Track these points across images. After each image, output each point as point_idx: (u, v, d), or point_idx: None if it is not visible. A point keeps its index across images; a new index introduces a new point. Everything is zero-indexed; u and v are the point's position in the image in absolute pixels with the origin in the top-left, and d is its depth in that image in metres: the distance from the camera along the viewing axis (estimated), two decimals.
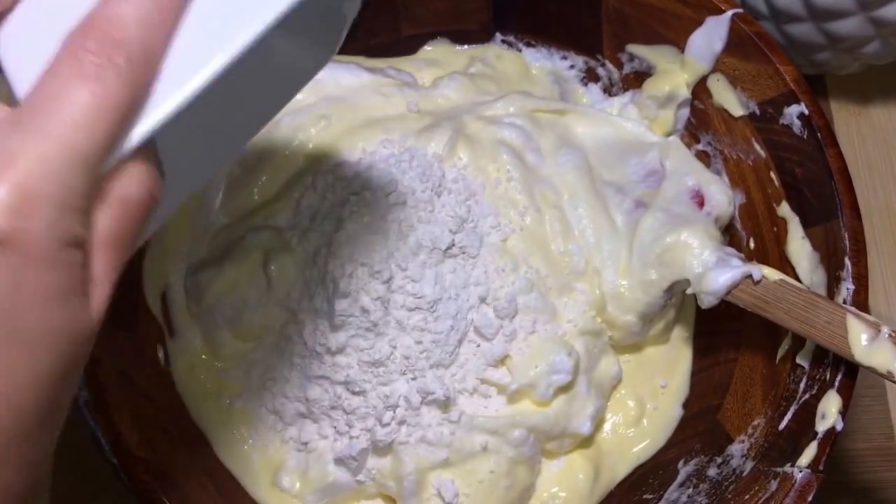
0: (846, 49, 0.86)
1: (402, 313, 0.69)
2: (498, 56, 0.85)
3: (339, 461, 0.71)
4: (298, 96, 0.77)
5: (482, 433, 0.71)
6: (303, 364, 0.71)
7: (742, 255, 0.72)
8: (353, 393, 0.70)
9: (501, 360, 0.71)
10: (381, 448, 0.70)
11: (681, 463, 0.75)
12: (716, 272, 0.70)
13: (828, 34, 0.85)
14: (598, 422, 0.76)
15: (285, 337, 0.71)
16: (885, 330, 0.64)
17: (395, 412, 0.69)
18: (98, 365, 0.66)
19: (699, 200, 0.75)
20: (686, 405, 0.78)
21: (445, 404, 0.70)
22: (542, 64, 0.85)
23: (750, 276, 0.69)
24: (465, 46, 0.85)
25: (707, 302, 0.71)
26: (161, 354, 0.73)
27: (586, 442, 0.76)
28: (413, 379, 0.70)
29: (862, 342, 0.65)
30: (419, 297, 0.69)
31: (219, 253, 0.74)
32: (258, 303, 0.72)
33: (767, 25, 0.87)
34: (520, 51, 0.85)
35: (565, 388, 0.72)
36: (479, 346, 0.71)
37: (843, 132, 0.95)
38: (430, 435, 0.70)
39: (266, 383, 0.73)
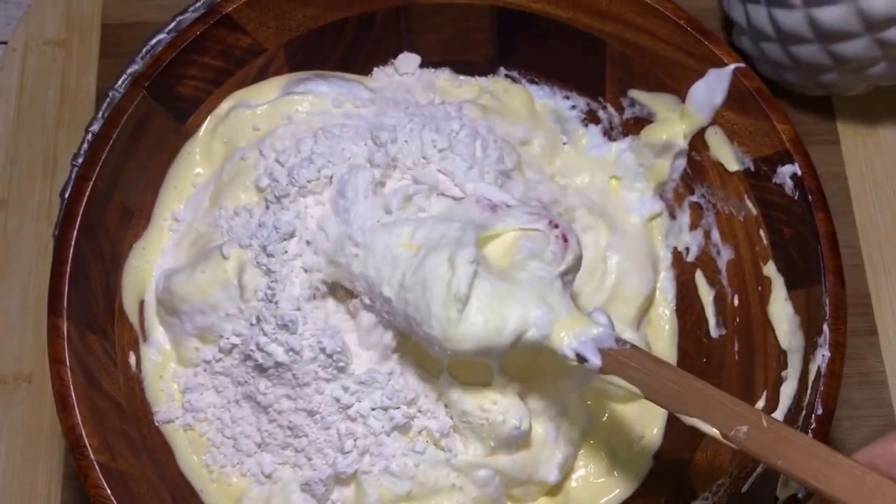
0: (853, 70, 0.86)
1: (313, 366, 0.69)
2: (505, 90, 0.85)
3: (307, 487, 0.70)
4: (299, 107, 0.78)
5: (446, 468, 0.70)
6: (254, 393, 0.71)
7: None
8: (298, 437, 0.70)
9: (446, 434, 0.71)
10: (344, 479, 0.70)
11: None
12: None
13: (834, 56, 0.84)
14: (567, 470, 0.75)
15: (243, 358, 0.71)
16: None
17: (355, 442, 0.69)
18: (64, 367, 0.66)
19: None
20: (657, 456, 0.77)
21: (406, 427, 0.70)
22: (544, 102, 0.85)
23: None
24: (472, 78, 0.85)
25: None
26: (133, 360, 0.73)
27: (555, 489, 0.75)
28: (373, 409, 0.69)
29: None
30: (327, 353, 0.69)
31: (194, 259, 0.74)
32: (227, 312, 0.71)
33: (774, 47, 0.87)
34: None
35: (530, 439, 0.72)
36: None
37: (851, 153, 0.95)
38: (393, 466, 0.69)
39: (223, 403, 0.73)
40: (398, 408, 0.69)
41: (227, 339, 0.71)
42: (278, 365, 0.68)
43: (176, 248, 0.76)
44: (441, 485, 0.70)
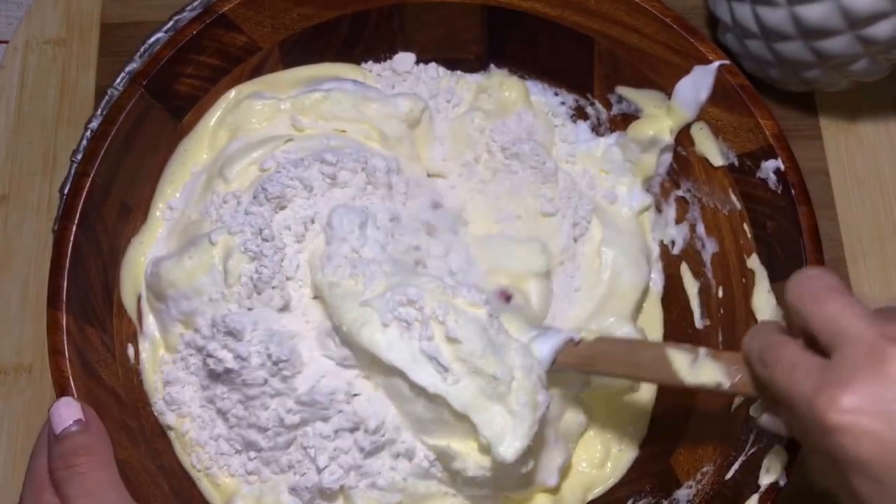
0: (835, 67, 0.88)
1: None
2: (501, 83, 0.85)
3: (294, 491, 0.71)
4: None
5: (436, 479, 0.70)
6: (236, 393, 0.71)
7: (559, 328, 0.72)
8: (257, 450, 0.70)
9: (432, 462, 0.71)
10: (330, 494, 0.70)
11: (630, 502, 0.75)
12: (539, 342, 0.69)
13: (817, 52, 0.86)
14: (565, 470, 0.76)
15: (202, 364, 0.71)
16: (702, 351, 0.64)
17: (337, 462, 0.69)
18: (64, 359, 0.68)
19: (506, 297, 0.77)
20: (642, 445, 0.79)
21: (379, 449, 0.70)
22: (535, 98, 0.86)
23: (571, 340, 0.69)
24: (467, 75, 0.86)
25: None
26: (131, 352, 0.75)
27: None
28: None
29: (686, 367, 0.65)
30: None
31: (184, 246, 0.74)
32: (210, 297, 0.71)
33: (758, 44, 0.89)
34: None
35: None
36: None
37: (832, 148, 0.96)
38: (380, 482, 0.69)
39: (202, 403, 0.73)
40: (360, 431, 0.69)
41: (196, 331, 0.71)
42: (228, 371, 0.69)
43: (168, 236, 0.77)
44: (433, 492, 0.71)
